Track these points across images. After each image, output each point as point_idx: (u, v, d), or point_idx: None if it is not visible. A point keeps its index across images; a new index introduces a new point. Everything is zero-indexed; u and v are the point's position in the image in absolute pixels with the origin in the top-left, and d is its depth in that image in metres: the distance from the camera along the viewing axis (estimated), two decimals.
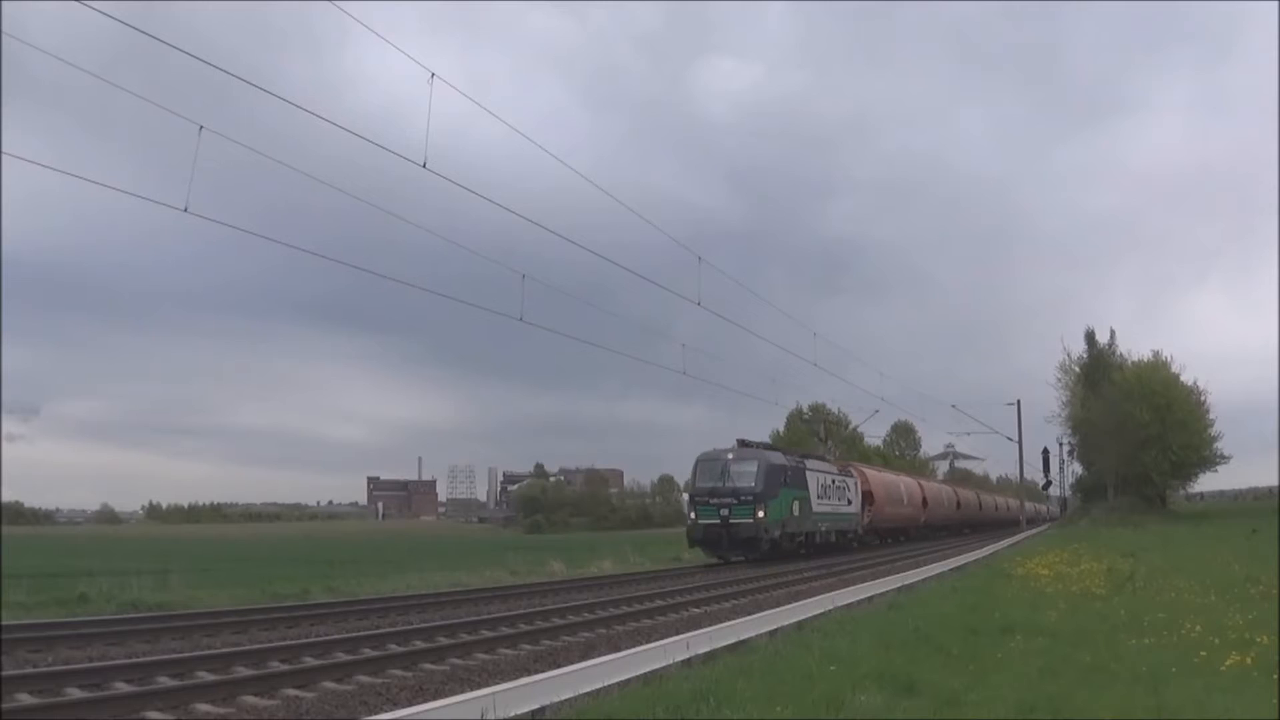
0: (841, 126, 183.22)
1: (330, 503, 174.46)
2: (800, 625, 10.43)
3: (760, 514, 25.28)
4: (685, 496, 26.55)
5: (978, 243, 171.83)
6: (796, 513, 27.79)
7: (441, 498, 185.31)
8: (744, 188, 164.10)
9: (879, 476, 40.89)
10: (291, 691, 7.72)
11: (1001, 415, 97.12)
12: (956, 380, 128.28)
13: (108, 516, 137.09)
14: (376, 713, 6.24)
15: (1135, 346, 77.30)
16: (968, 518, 57.68)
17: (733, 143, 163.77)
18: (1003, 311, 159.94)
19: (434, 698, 6.65)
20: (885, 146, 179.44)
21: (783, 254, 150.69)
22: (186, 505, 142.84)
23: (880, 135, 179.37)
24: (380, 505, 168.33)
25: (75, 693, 7.33)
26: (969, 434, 65.30)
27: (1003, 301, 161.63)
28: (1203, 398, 59.47)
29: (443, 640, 10.32)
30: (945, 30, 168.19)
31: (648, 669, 7.30)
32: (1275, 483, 77.29)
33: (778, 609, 11.82)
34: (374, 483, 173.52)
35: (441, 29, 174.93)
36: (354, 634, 10.55)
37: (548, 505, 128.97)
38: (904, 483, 44.25)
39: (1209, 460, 60.09)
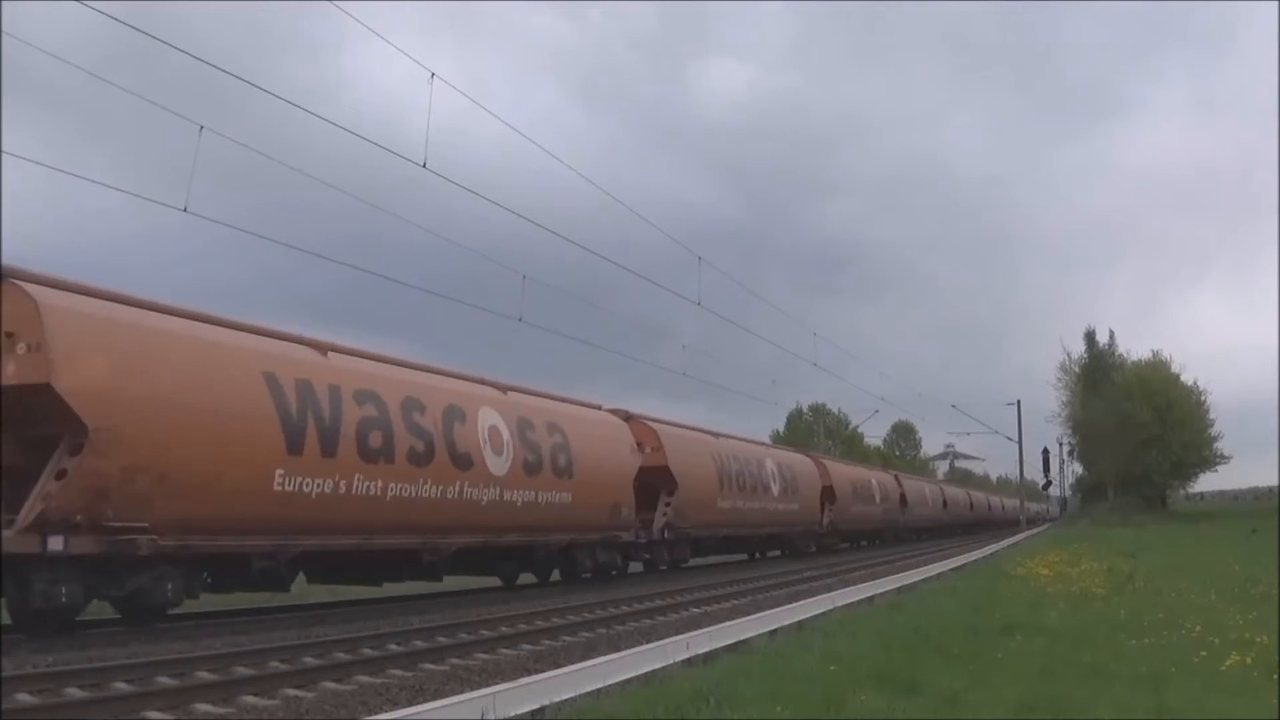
0: (839, 126, 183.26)
1: None
2: (801, 625, 10.44)
3: None
4: None
5: (976, 242, 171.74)
6: None
7: None
8: (742, 187, 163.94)
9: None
10: (291, 691, 7.71)
11: (1001, 415, 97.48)
12: (956, 380, 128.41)
13: None
14: (376, 713, 6.23)
15: (1135, 346, 77.72)
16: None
17: (730, 142, 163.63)
18: (1002, 311, 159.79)
19: (434, 698, 6.64)
20: (883, 146, 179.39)
21: (782, 253, 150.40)
22: None
23: (878, 135, 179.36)
24: None
25: (75, 693, 7.31)
26: (969, 434, 65.77)
27: (1002, 301, 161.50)
28: (1203, 398, 59.72)
29: (443, 640, 10.31)
30: (942, 30, 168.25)
31: (648, 669, 7.30)
32: (1275, 483, 77.45)
33: (778, 609, 11.82)
34: None
35: (437, 29, 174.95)
36: (354, 634, 10.55)
37: None
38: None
39: (1209, 460, 60.25)
